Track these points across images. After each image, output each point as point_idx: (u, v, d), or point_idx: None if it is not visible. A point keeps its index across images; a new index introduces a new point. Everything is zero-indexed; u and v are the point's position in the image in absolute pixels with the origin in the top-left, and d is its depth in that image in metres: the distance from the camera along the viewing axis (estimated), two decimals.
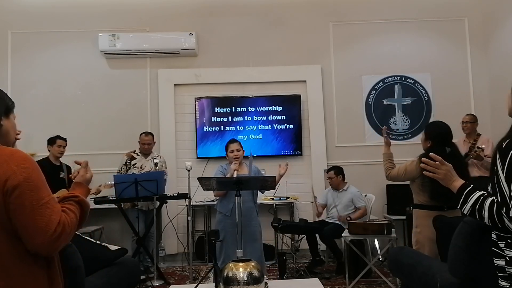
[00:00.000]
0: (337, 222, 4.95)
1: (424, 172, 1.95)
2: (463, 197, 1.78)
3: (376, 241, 5.32)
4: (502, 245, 1.69)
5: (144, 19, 6.12)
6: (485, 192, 1.74)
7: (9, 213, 1.35)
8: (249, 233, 3.88)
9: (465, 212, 1.77)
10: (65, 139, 5.01)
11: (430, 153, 1.97)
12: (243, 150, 4.09)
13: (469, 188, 1.79)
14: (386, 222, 4.35)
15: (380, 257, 5.10)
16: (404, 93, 6.16)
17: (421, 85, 6.16)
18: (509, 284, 1.65)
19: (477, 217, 1.71)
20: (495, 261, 1.71)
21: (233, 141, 4.11)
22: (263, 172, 4.17)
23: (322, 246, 5.22)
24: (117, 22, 6.09)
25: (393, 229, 4.34)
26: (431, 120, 5.95)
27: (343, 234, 4.54)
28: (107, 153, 5.76)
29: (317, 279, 3.01)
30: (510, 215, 1.59)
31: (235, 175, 3.68)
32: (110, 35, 5.89)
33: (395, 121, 6.15)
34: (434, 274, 2.50)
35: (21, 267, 1.39)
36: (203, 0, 6.16)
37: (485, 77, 6.01)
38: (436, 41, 6.18)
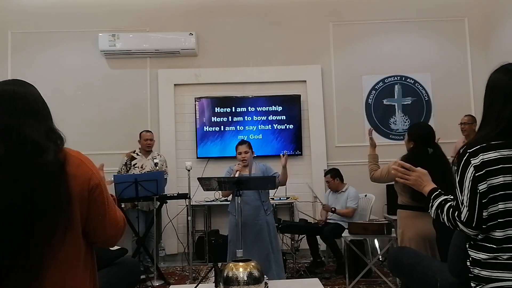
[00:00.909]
0: (337, 222, 4.95)
1: (396, 178, 2.00)
2: (430, 201, 1.85)
3: (376, 241, 5.32)
4: (467, 245, 1.74)
5: (144, 19, 6.11)
6: (449, 196, 1.81)
7: (89, 209, 1.47)
8: (255, 232, 3.86)
9: (432, 216, 1.84)
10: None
11: (399, 161, 2.03)
12: (253, 152, 4.08)
13: (435, 193, 1.85)
14: (386, 222, 4.35)
15: (380, 257, 5.10)
16: (404, 93, 6.16)
17: (421, 85, 6.16)
18: (475, 285, 1.68)
19: (441, 220, 1.79)
20: (467, 261, 1.76)
21: (241, 142, 4.10)
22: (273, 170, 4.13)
23: (322, 246, 5.22)
24: (117, 22, 6.09)
25: (393, 229, 4.34)
26: (431, 120, 5.96)
27: (343, 234, 4.54)
28: (107, 153, 5.74)
29: (317, 279, 3.00)
30: (462, 219, 1.65)
31: (237, 175, 3.68)
32: (110, 35, 5.89)
33: (395, 121, 6.15)
34: (434, 274, 2.50)
35: (84, 259, 1.49)
36: (203, 0, 6.16)
37: (485, 77, 5.91)
38: (436, 41, 6.18)
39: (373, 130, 4.32)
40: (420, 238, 3.20)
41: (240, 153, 4.01)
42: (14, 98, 1.43)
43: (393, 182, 3.56)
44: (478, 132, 1.79)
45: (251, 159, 3.98)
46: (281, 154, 3.92)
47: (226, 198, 4.83)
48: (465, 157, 1.67)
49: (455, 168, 1.72)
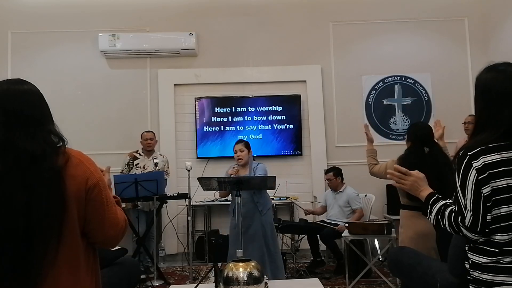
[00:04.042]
0: (338, 222, 4.95)
1: (392, 183, 1.96)
2: (429, 207, 1.79)
3: (376, 241, 5.32)
4: (466, 248, 1.72)
5: (144, 19, 6.11)
6: (448, 201, 1.76)
7: (87, 209, 1.47)
8: (250, 234, 3.85)
9: (431, 221, 1.79)
10: None
11: (394, 165, 1.99)
12: (251, 151, 4.06)
13: (433, 198, 1.80)
14: (386, 222, 4.36)
15: (380, 257, 5.10)
16: (404, 93, 6.16)
17: (421, 85, 6.16)
18: (474, 287, 1.66)
19: (441, 225, 1.74)
20: (465, 263, 1.73)
21: (238, 141, 4.10)
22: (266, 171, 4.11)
23: (322, 246, 5.22)
24: (117, 22, 6.09)
25: (393, 229, 4.35)
26: (431, 120, 5.96)
27: (343, 234, 4.54)
28: (107, 153, 5.74)
29: (317, 279, 3.00)
30: (466, 224, 1.61)
31: (232, 177, 3.68)
32: (110, 35, 5.89)
33: (395, 121, 6.15)
34: (434, 274, 2.50)
35: (85, 260, 1.49)
36: (203, 0, 6.16)
37: None
38: (436, 41, 6.18)
39: (371, 128, 4.36)
40: (419, 237, 3.21)
41: (235, 152, 4.00)
42: (7, 107, 1.43)
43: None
44: (473, 137, 1.73)
45: (251, 158, 3.97)
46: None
47: (226, 198, 4.82)
48: (466, 160, 1.62)
49: (456, 172, 1.67)
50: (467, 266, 1.71)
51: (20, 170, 1.37)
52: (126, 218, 1.61)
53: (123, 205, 4.92)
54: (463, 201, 1.63)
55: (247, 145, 4.07)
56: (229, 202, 4.35)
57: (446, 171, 3.13)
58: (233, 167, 3.92)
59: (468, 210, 1.61)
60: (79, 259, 1.46)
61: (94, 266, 1.56)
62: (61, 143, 1.47)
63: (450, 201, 1.76)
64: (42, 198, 1.36)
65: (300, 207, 5.20)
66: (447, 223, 1.70)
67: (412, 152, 3.34)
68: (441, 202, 1.76)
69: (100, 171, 1.56)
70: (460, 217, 1.64)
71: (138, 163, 5.28)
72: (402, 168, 1.93)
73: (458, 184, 1.65)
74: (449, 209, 1.71)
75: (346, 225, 4.64)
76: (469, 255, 1.69)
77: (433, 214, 1.76)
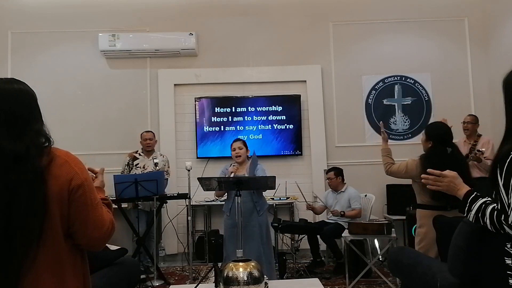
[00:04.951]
0: (338, 221, 4.95)
1: (427, 186, 1.98)
2: (467, 204, 1.82)
3: (376, 241, 5.32)
4: (509, 245, 1.73)
5: (144, 19, 6.11)
6: (488, 199, 1.78)
7: (70, 210, 1.44)
8: (248, 233, 3.85)
9: (470, 219, 1.81)
10: None
11: (428, 169, 1.99)
12: (248, 150, 4.07)
13: (472, 196, 1.82)
14: (386, 222, 4.35)
15: (380, 257, 5.10)
16: (404, 93, 6.16)
17: (421, 85, 6.16)
18: None
19: (481, 223, 1.76)
20: (505, 260, 1.75)
21: (236, 140, 4.12)
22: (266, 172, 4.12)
23: (322, 246, 5.22)
24: (117, 22, 6.09)
25: (393, 229, 4.34)
26: (431, 120, 5.96)
27: (343, 234, 4.54)
28: (107, 153, 5.75)
29: (317, 279, 3.01)
30: (509, 222, 1.64)
31: (232, 176, 3.68)
32: (110, 35, 5.89)
33: (395, 121, 6.15)
34: (434, 274, 2.50)
35: (70, 263, 1.47)
36: (203, 0, 6.16)
37: (485, 77, 6.01)
38: (436, 41, 6.18)
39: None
40: None
41: (234, 149, 4.01)
42: None
43: (410, 181, 3.55)
44: (503, 145, 1.75)
45: (254, 158, 3.97)
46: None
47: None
48: (509, 159, 1.64)
49: (498, 170, 1.69)
50: (508, 262, 1.72)
51: (2, 170, 1.36)
52: (113, 220, 1.58)
53: (124, 205, 4.93)
54: (506, 200, 1.65)
55: (245, 143, 4.09)
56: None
57: (466, 172, 3.16)
58: (234, 165, 3.92)
59: None
60: (62, 260, 1.44)
61: (82, 269, 1.54)
62: (47, 144, 1.45)
63: (489, 199, 1.78)
64: (23, 198, 1.35)
65: (304, 199, 5.17)
66: (488, 221, 1.71)
67: (435, 153, 3.33)
68: (481, 200, 1.78)
69: (88, 172, 1.53)
70: (503, 215, 1.66)
71: (138, 163, 5.28)
72: (436, 171, 1.95)
73: (501, 184, 1.66)
74: (490, 207, 1.73)
75: (342, 212, 4.84)
76: None
77: (473, 212, 1.78)
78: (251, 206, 3.95)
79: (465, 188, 1.88)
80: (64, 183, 1.42)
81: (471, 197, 1.82)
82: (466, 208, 1.82)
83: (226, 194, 4.15)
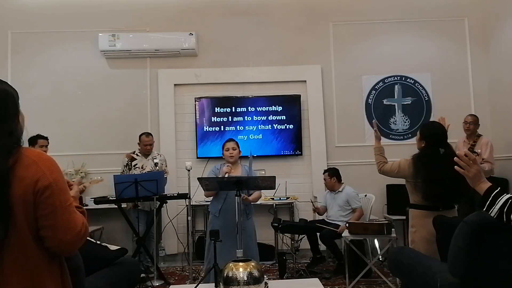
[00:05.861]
0: (337, 222, 4.95)
1: (455, 167, 1.89)
2: (490, 199, 1.79)
3: (376, 241, 5.32)
4: None
5: (144, 19, 6.11)
6: (510, 195, 1.77)
7: (37, 213, 1.39)
8: (233, 238, 3.82)
9: (492, 214, 1.79)
10: (46, 138, 4.83)
11: (465, 150, 1.95)
12: (240, 151, 4.07)
13: (496, 191, 1.80)
14: (386, 222, 4.35)
15: (380, 257, 5.10)
16: (404, 93, 6.16)
17: (421, 85, 6.16)
18: None
19: (504, 220, 1.74)
20: None
21: (229, 140, 4.10)
22: (260, 173, 4.11)
23: (322, 246, 5.22)
24: (117, 22, 6.09)
25: (393, 229, 4.34)
26: (431, 120, 5.95)
27: (343, 234, 4.54)
28: (107, 153, 5.75)
29: (317, 279, 3.01)
30: None
31: (226, 176, 3.66)
32: (110, 35, 5.89)
33: (395, 121, 6.15)
34: (434, 274, 2.50)
35: (43, 266, 1.43)
36: (203, 0, 6.16)
37: (485, 77, 6.00)
38: (436, 41, 6.18)
39: (372, 128, 4.29)
40: (433, 237, 3.18)
41: (227, 149, 3.98)
42: None
43: (401, 179, 3.55)
44: None
45: (251, 159, 3.97)
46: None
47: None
48: None
49: None
50: None
51: None
52: (86, 224, 1.51)
53: (124, 205, 4.93)
54: None
55: (237, 144, 4.07)
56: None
57: (459, 173, 3.13)
58: (228, 165, 3.90)
59: None
60: (34, 264, 1.40)
61: (60, 268, 1.50)
62: (15, 145, 1.40)
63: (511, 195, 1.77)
64: None
65: (313, 204, 5.17)
66: None
67: (427, 153, 3.32)
68: (506, 196, 1.77)
69: (61, 173, 1.47)
70: None
71: (136, 164, 5.27)
72: (471, 155, 1.89)
73: None
74: None
75: (347, 225, 4.63)
76: None
77: (497, 207, 1.76)
78: (242, 208, 3.92)
79: (487, 183, 1.85)
80: (29, 184, 1.36)
81: (495, 191, 1.80)
82: (488, 202, 1.79)
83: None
